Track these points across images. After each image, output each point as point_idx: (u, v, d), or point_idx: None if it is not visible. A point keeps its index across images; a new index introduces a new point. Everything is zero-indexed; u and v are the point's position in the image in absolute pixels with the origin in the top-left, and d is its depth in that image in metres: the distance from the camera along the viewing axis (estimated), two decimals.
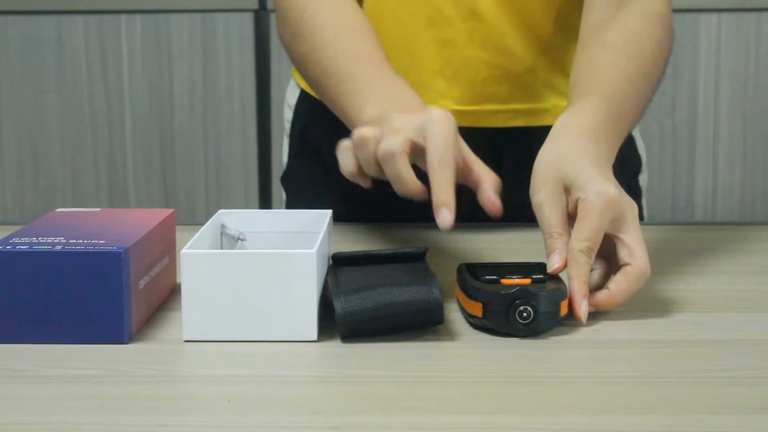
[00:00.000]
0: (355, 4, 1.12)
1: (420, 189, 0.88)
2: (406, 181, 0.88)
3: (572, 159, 0.90)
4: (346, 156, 0.93)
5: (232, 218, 0.97)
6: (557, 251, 0.87)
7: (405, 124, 0.89)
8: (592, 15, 1.12)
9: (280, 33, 1.15)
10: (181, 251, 0.82)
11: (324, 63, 1.05)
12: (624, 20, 1.08)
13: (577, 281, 0.85)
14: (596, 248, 0.86)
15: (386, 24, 1.18)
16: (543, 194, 0.89)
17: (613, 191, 0.87)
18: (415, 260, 0.90)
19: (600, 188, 0.87)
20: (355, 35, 1.07)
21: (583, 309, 0.85)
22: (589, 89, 1.00)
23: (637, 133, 1.29)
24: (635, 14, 1.08)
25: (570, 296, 0.85)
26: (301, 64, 1.11)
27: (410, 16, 1.17)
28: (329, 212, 0.97)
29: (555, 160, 0.90)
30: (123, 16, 2.36)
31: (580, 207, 0.87)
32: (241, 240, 0.97)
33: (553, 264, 0.86)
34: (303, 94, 1.30)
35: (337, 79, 1.03)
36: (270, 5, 2.30)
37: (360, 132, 0.90)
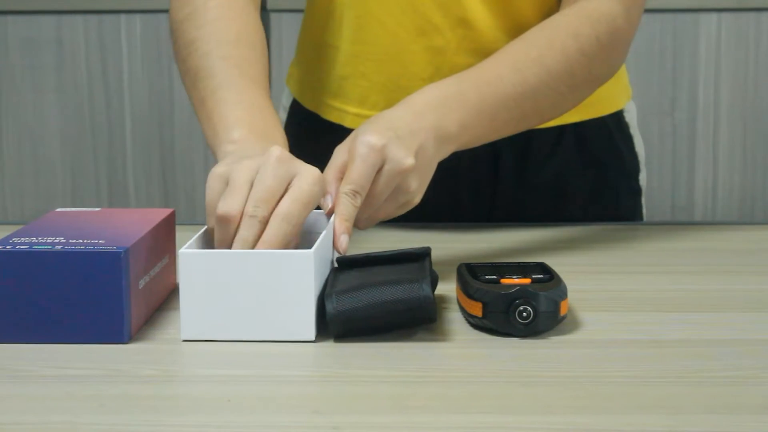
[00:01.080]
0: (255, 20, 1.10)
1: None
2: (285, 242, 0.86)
3: (368, 121, 0.96)
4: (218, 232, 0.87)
5: None
6: (328, 195, 0.92)
7: (270, 182, 0.87)
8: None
9: (170, 10, 1.14)
10: (179, 251, 0.82)
11: (210, 61, 1.04)
12: (555, 16, 1.09)
13: (338, 219, 0.90)
14: (362, 191, 0.92)
15: (375, 33, 1.18)
16: (336, 150, 0.95)
17: (374, 140, 0.92)
18: (418, 261, 0.90)
19: (366, 138, 0.92)
20: (250, 53, 1.06)
21: (341, 241, 0.90)
22: (459, 76, 1.03)
23: (635, 132, 1.29)
24: (570, 11, 1.08)
25: (333, 234, 0.90)
26: (185, 52, 1.10)
27: (398, 25, 1.17)
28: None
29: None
30: (123, 16, 2.35)
31: (348, 156, 0.93)
32: None
33: (324, 207, 0.92)
34: (295, 103, 1.30)
35: (215, 89, 1.02)
36: (270, 5, 2.30)
37: (223, 211, 0.86)
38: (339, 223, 0.91)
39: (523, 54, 1.05)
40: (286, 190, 0.86)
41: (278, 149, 0.87)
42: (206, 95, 1.03)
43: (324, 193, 0.92)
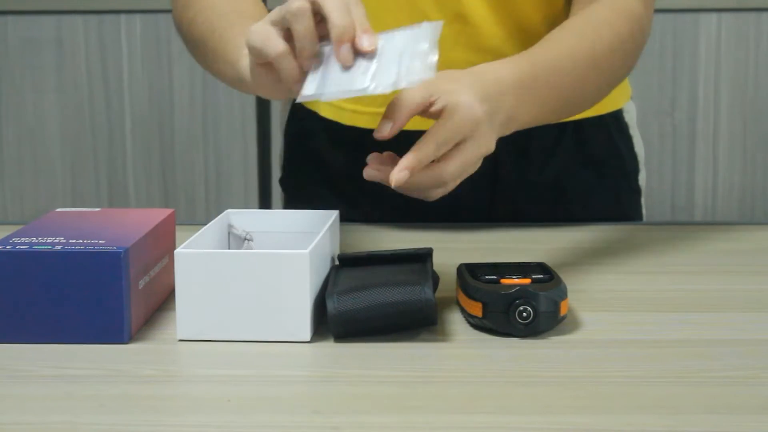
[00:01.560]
0: None
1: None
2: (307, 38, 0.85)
3: (472, 82, 0.92)
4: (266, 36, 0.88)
5: (239, 218, 0.97)
6: (391, 121, 0.88)
7: None
8: (572, 11, 1.12)
9: (172, 7, 1.16)
10: (175, 251, 0.82)
11: (210, 20, 1.05)
12: (590, 9, 1.09)
13: (412, 153, 0.86)
14: (439, 154, 0.88)
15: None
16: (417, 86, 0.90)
17: (479, 114, 0.89)
18: (419, 261, 0.90)
19: (472, 111, 0.89)
20: (244, 3, 1.08)
21: (396, 173, 0.86)
22: (526, 52, 1.01)
23: (635, 132, 1.29)
24: (604, 6, 1.09)
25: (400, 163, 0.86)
26: (188, 31, 1.11)
27: (395, 20, 1.17)
28: (335, 212, 0.97)
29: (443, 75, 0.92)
30: (123, 16, 2.36)
31: (445, 111, 0.89)
32: (248, 240, 0.97)
33: (381, 130, 0.88)
34: (293, 101, 1.30)
35: (221, 31, 1.02)
36: (270, 5, 2.30)
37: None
38: (411, 156, 0.87)
39: (577, 46, 1.04)
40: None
41: None
42: (214, 45, 1.03)
43: (385, 114, 0.89)
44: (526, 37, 1.17)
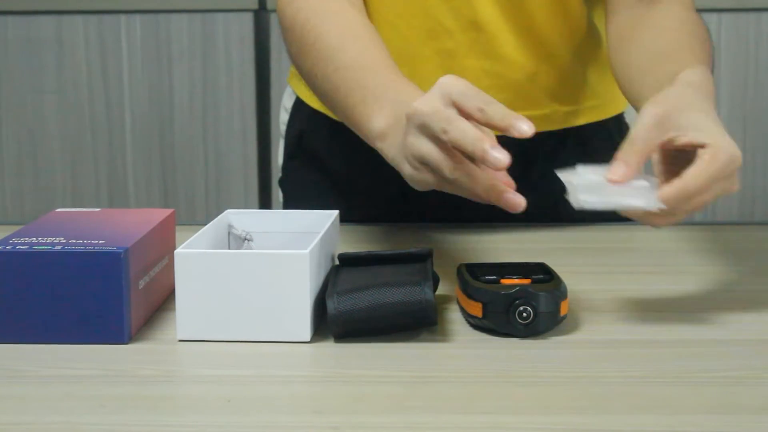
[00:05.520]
0: (357, 10, 1.09)
1: (482, 140, 0.83)
2: (470, 136, 0.83)
3: (694, 108, 0.87)
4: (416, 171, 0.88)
5: (239, 218, 0.97)
6: (624, 161, 0.85)
7: (424, 104, 0.85)
8: (618, 17, 1.11)
9: (287, 48, 1.13)
10: (175, 251, 0.82)
11: (330, 77, 1.02)
12: (663, 12, 1.07)
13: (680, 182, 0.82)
14: (693, 199, 0.83)
15: (385, 36, 1.18)
16: (653, 114, 0.86)
17: (737, 155, 0.84)
18: (419, 261, 0.90)
19: (732, 150, 0.84)
20: (357, 43, 1.04)
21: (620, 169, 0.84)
22: (687, 61, 0.96)
23: None
24: (670, 6, 1.07)
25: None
26: (308, 79, 1.08)
27: (409, 28, 1.17)
28: (335, 213, 0.97)
29: (679, 100, 0.87)
30: (123, 16, 2.35)
31: (701, 153, 0.84)
32: (248, 240, 0.97)
33: (615, 173, 0.86)
34: (299, 102, 1.30)
35: (344, 93, 1.00)
36: (270, 5, 2.30)
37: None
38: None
39: (697, 45, 1.02)
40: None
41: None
42: (341, 101, 1.01)
43: (618, 155, 0.86)
44: (539, 45, 1.17)
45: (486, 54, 1.16)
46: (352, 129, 1.00)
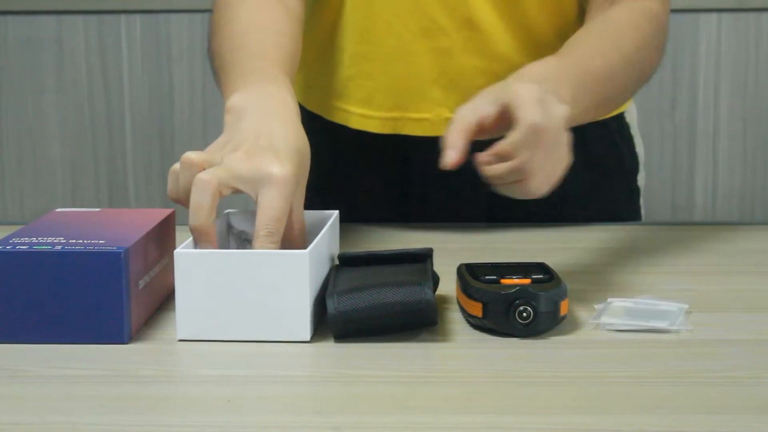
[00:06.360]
0: (284, 10, 1.10)
1: (205, 234, 0.84)
2: (201, 215, 0.83)
3: (512, 82, 0.92)
4: (172, 179, 0.88)
5: (239, 218, 0.97)
6: (453, 144, 0.88)
7: (241, 168, 0.86)
8: (588, 15, 1.13)
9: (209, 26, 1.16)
10: (175, 251, 0.82)
11: (223, 55, 1.05)
12: (610, 11, 1.10)
13: (491, 150, 0.87)
14: (519, 173, 0.88)
15: (381, 35, 1.18)
16: (473, 101, 0.91)
17: (540, 122, 0.87)
18: (419, 261, 0.90)
19: (530, 116, 0.87)
20: (262, 34, 1.05)
21: (449, 155, 0.87)
22: (555, 55, 1.01)
23: (635, 132, 1.29)
24: (623, 8, 1.10)
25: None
26: (211, 60, 1.11)
27: (405, 27, 1.17)
28: (335, 212, 0.97)
29: (496, 87, 0.92)
30: (123, 16, 2.36)
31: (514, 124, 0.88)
32: (248, 240, 0.97)
33: (446, 158, 0.88)
34: (298, 105, 1.30)
35: (227, 69, 1.02)
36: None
37: (188, 155, 0.86)
38: (488, 154, 0.87)
39: (601, 42, 1.06)
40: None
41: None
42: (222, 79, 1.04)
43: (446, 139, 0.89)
44: (535, 44, 1.17)
45: (481, 52, 1.16)
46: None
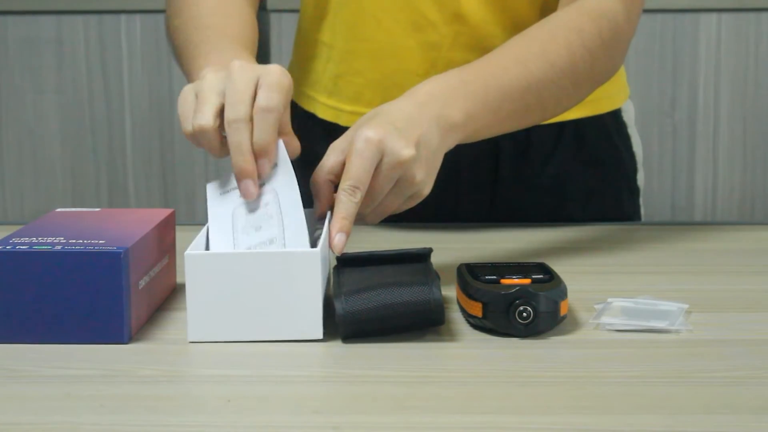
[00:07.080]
0: (243, 2, 1.14)
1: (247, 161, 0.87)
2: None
3: (366, 116, 0.94)
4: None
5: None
6: (319, 198, 0.92)
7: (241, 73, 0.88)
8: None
9: (166, 13, 1.18)
10: (185, 252, 0.82)
11: (189, 32, 1.08)
12: (556, 12, 1.08)
13: (336, 216, 0.88)
14: (362, 187, 0.89)
15: (370, 29, 1.18)
16: (330, 148, 0.93)
17: (371, 134, 0.90)
18: (419, 261, 0.90)
19: (363, 132, 0.90)
20: (227, 20, 1.09)
21: (336, 240, 0.88)
22: (460, 68, 1.02)
23: (633, 131, 1.29)
24: (571, 8, 1.08)
25: (329, 232, 0.88)
26: (173, 37, 1.14)
27: (394, 21, 1.17)
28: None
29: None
30: (123, 16, 2.36)
31: (347, 152, 0.91)
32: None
33: (316, 210, 0.93)
34: (293, 104, 1.30)
35: (194, 46, 1.05)
36: (269, 5, 2.30)
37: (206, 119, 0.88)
38: (336, 221, 0.88)
39: (525, 48, 1.04)
40: (256, 91, 0.87)
41: (238, 61, 0.89)
42: (186, 60, 1.08)
43: (316, 194, 0.92)
44: None
45: (471, 47, 1.16)
46: (187, 78, 1.06)
